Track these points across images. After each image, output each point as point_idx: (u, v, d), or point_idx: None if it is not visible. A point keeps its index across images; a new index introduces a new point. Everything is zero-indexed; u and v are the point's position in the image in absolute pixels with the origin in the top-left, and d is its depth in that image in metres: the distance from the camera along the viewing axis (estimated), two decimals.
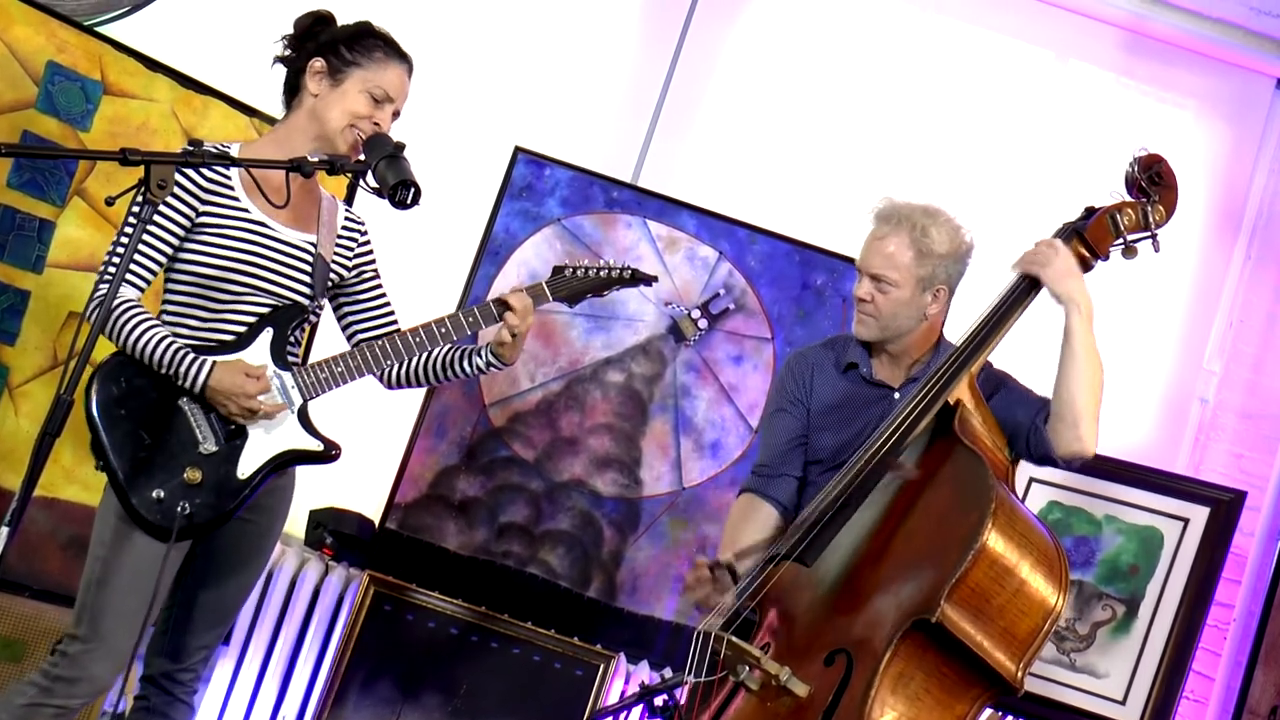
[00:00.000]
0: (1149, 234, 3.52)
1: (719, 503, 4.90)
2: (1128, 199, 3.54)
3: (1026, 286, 3.41)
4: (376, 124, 3.48)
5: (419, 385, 3.72)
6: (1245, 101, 5.44)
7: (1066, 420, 3.38)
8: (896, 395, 3.63)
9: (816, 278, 5.02)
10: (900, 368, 3.67)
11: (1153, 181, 3.53)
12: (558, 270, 3.68)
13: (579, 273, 3.68)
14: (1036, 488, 4.73)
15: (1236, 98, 5.45)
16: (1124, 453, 4.86)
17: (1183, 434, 5.24)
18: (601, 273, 3.69)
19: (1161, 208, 3.53)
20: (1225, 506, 4.58)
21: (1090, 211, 3.53)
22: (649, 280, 3.79)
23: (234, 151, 3.45)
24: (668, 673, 4.67)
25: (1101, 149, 5.33)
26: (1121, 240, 3.49)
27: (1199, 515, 4.59)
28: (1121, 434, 5.13)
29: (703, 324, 5.02)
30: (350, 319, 3.70)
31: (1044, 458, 3.48)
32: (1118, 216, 3.49)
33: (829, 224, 5.06)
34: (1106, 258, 3.50)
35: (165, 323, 3.38)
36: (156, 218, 3.31)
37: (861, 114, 5.46)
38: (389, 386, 3.72)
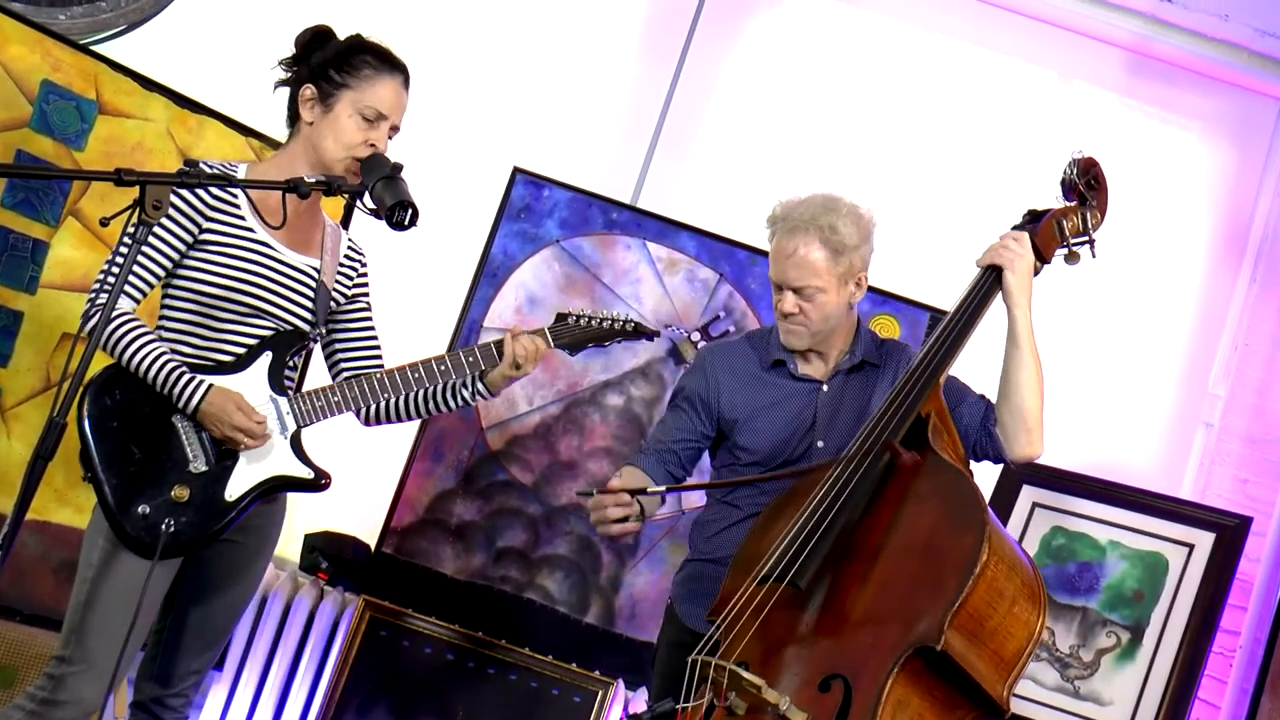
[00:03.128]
0: (1087, 239, 3.50)
1: None
2: (1069, 204, 3.51)
3: (992, 281, 3.37)
4: (372, 145, 3.45)
5: (399, 421, 3.70)
6: (1250, 123, 5.42)
7: (1021, 426, 3.37)
8: (824, 389, 3.61)
9: None
10: (826, 361, 3.64)
11: (1090, 186, 3.50)
12: (561, 317, 3.69)
13: (582, 321, 3.68)
14: (1040, 512, 4.69)
15: (1241, 119, 5.43)
16: (1128, 477, 4.83)
17: (1187, 459, 5.21)
18: (604, 323, 3.70)
19: (1098, 212, 3.51)
20: (1230, 532, 4.54)
21: (1034, 215, 3.51)
22: (651, 335, 3.80)
23: (240, 173, 3.42)
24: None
25: (1106, 170, 5.30)
26: (1065, 246, 3.47)
27: (1204, 541, 4.55)
28: (1126, 458, 5.10)
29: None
30: (337, 350, 3.67)
31: (993, 459, 3.48)
32: (1063, 222, 3.47)
33: None
34: (1049, 263, 3.48)
35: (163, 340, 3.34)
36: (156, 230, 3.29)
37: (863, 135, 5.44)
38: (366, 424, 3.70)
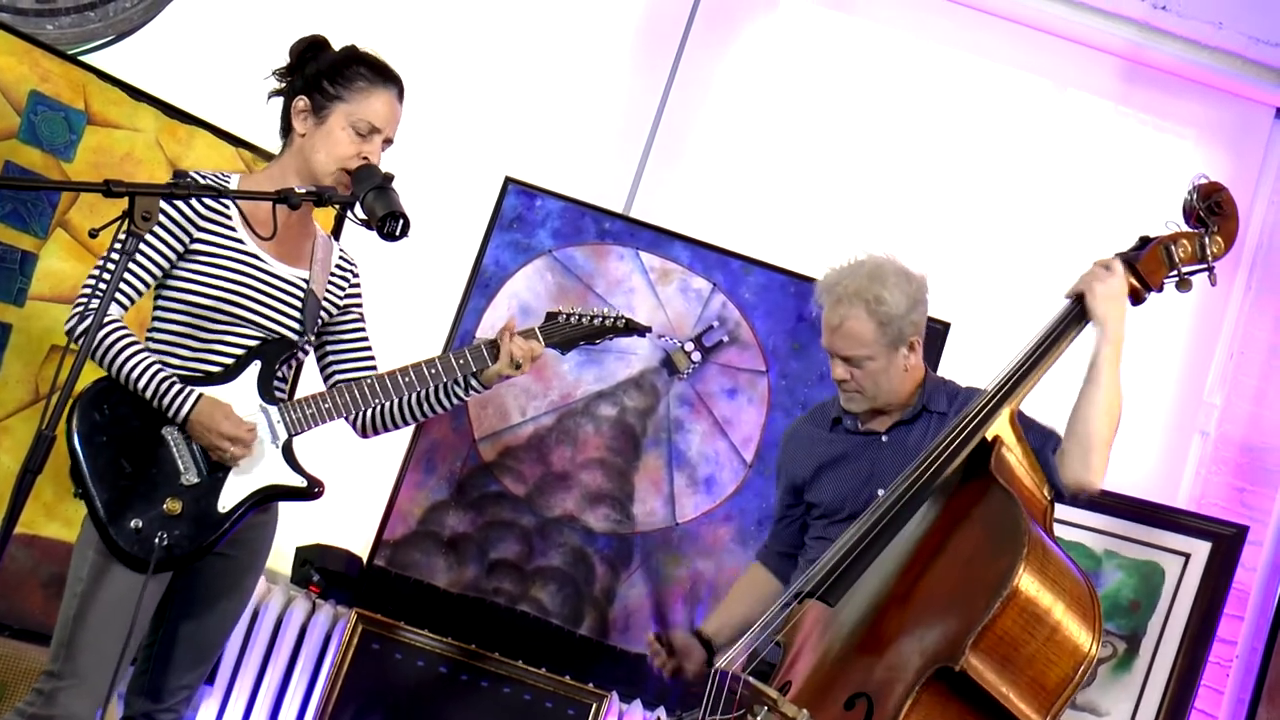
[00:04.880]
0: (1206, 266, 3.36)
1: (713, 538, 4.84)
2: (1185, 229, 3.37)
3: (1077, 314, 3.27)
4: (365, 158, 3.42)
5: (394, 427, 3.66)
6: (1245, 130, 5.41)
7: (1079, 447, 3.28)
8: (884, 439, 3.61)
9: (811, 309, 4.94)
10: (888, 415, 3.64)
11: (1212, 211, 3.36)
12: (551, 315, 3.65)
13: (573, 319, 3.65)
14: None
15: (1236, 127, 5.42)
16: (1124, 486, 4.80)
17: (1183, 467, 5.19)
18: (596, 320, 3.67)
19: (1220, 239, 3.37)
20: (1227, 541, 4.54)
21: (1145, 241, 3.37)
22: (643, 331, 3.77)
23: (232, 184, 3.40)
24: (664, 713, 4.64)
25: (1101, 178, 5.29)
26: (1176, 273, 3.33)
27: (1200, 550, 4.54)
28: (1121, 467, 5.04)
29: (696, 357, 4.96)
30: (330, 359, 3.65)
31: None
32: (1173, 248, 3.32)
33: (824, 255, 4.97)
34: (1160, 290, 3.34)
35: (151, 349, 3.32)
36: (147, 238, 3.27)
37: (857, 144, 5.42)
38: (363, 434, 3.66)
